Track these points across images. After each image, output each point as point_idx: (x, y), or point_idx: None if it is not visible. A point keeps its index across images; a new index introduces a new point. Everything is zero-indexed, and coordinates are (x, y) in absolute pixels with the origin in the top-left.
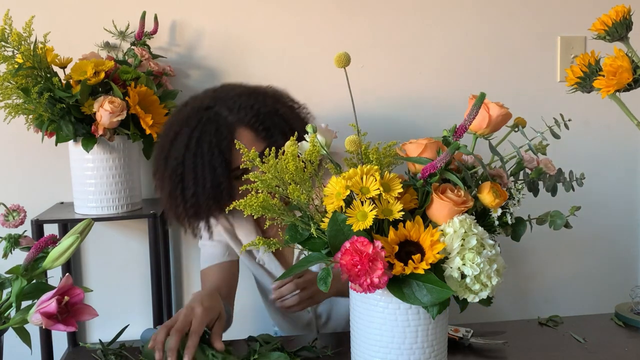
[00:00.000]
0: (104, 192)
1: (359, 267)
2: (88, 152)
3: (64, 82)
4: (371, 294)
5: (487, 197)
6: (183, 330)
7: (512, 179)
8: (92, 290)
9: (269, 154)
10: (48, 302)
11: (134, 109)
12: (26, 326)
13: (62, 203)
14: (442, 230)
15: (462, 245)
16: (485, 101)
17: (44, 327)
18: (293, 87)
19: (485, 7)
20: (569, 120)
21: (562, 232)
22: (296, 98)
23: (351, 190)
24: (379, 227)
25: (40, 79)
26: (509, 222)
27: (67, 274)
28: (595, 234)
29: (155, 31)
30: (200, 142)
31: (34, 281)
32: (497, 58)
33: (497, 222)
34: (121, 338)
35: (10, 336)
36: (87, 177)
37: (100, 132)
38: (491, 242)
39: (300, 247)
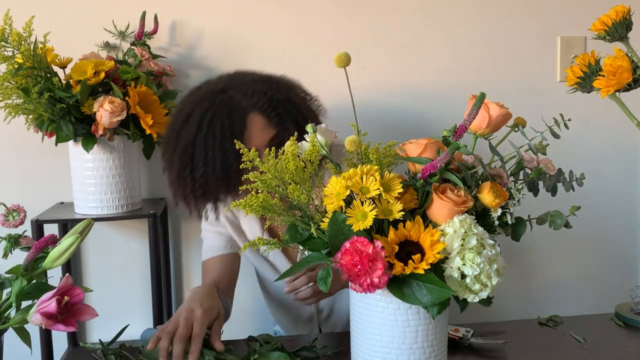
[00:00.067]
0: (104, 192)
1: (359, 267)
2: (88, 152)
3: (64, 82)
4: (371, 294)
5: (487, 197)
6: (186, 337)
7: (512, 179)
8: (92, 290)
9: (269, 154)
10: (48, 302)
11: (134, 109)
12: (26, 326)
13: (62, 203)
14: (442, 230)
15: (462, 245)
16: (485, 101)
17: (44, 327)
18: None
19: (485, 7)
20: (569, 120)
21: (562, 232)
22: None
23: (351, 190)
24: (379, 227)
25: (40, 79)
26: (509, 222)
27: (67, 274)
28: (595, 234)
29: (155, 31)
30: (212, 124)
31: (34, 281)
32: (497, 58)
33: (497, 222)
34: (121, 338)
35: (10, 336)
36: (87, 177)
37: (100, 132)
38: (491, 242)
39: (300, 246)
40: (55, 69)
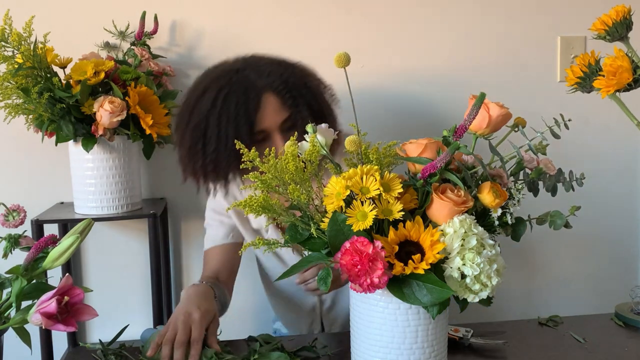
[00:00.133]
0: (104, 192)
1: (359, 267)
2: (88, 152)
3: (64, 82)
4: (371, 294)
5: (487, 197)
6: (186, 342)
7: (512, 179)
8: (92, 290)
9: (269, 154)
10: (48, 302)
11: (134, 109)
12: (26, 326)
13: (62, 203)
14: (442, 230)
15: (462, 245)
16: (485, 101)
17: (44, 327)
18: None
19: (486, 7)
20: (569, 120)
21: (562, 232)
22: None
23: (351, 190)
24: (379, 227)
25: (40, 79)
26: (509, 222)
27: (67, 274)
28: (595, 234)
29: (155, 31)
30: (227, 100)
31: (34, 281)
32: (497, 58)
33: (497, 222)
34: (121, 338)
35: (10, 336)
36: (87, 177)
37: (100, 132)
38: (491, 242)
39: (300, 246)
40: (55, 69)
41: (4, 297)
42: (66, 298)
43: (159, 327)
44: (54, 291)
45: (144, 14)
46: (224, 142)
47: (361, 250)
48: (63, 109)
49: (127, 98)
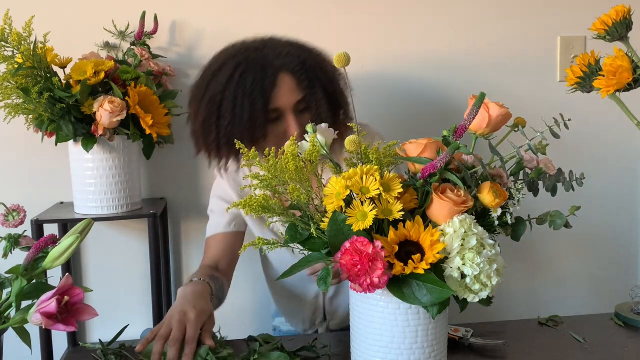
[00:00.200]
0: (104, 192)
1: (359, 267)
2: (88, 152)
3: (64, 82)
4: (371, 294)
5: (487, 197)
6: (180, 340)
7: (512, 179)
8: (92, 290)
9: (269, 154)
10: (48, 302)
11: (134, 109)
12: (26, 326)
13: (62, 203)
14: (442, 230)
15: (462, 245)
16: (485, 101)
17: (44, 327)
18: None
19: (485, 7)
20: (569, 120)
21: (562, 232)
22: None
23: (351, 190)
24: (379, 227)
25: (40, 79)
26: (509, 222)
27: (67, 274)
28: (595, 234)
29: (155, 31)
30: (244, 76)
31: (34, 281)
32: (497, 58)
33: (497, 222)
34: (121, 338)
35: (10, 336)
36: (87, 177)
37: (100, 132)
38: (491, 242)
39: (300, 246)
40: (55, 69)
41: (4, 297)
42: (66, 298)
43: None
44: (54, 291)
45: (144, 14)
46: (239, 117)
47: (361, 250)
48: (63, 109)
49: (127, 98)
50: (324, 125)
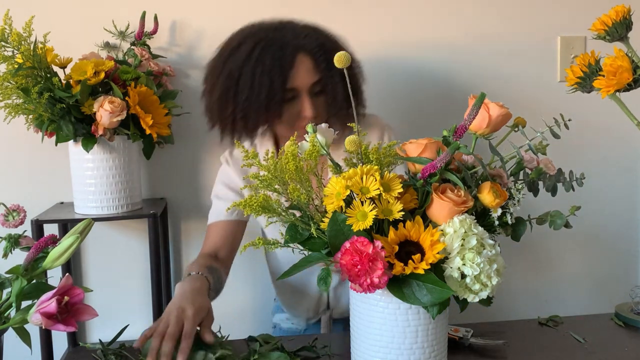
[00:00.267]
0: (104, 192)
1: (359, 267)
2: (88, 152)
3: (64, 82)
4: (371, 294)
5: (487, 197)
6: (177, 335)
7: (512, 179)
8: (92, 290)
9: (269, 155)
10: (48, 302)
11: (134, 109)
12: (26, 326)
13: (62, 203)
14: (442, 230)
15: (462, 245)
16: (485, 101)
17: (44, 327)
18: None
19: (485, 7)
20: (569, 120)
21: (562, 232)
22: None
23: (351, 190)
24: (379, 227)
25: (40, 79)
26: (509, 222)
27: (67, 274)
28: (595, 234)
29: (155, 31)
30: (263, 53)
31: (34, 281)
32: (497, 58)
33: (497, 222)
34: (121, 338)
35: (10, 336)
36: (87, 177)
37: (100, 132)
38: (491, 242)
39: (300, 246)
40: (55, 69)
41: (4, 297)
42: (66, 298)
43: None
44: (54, 291)
45: (144, 14)
46: (257, 93)
47: (361, 250)
48: (63, 109)
49: (127, 98)
50: (324, 125)
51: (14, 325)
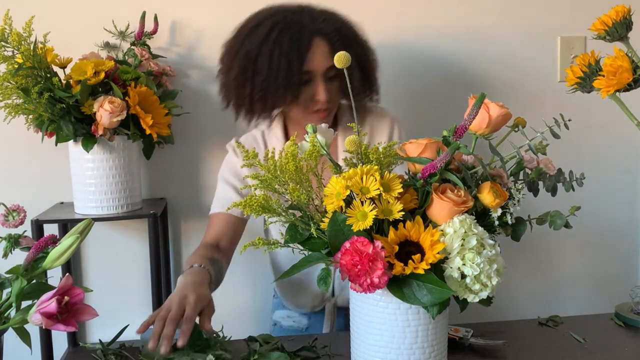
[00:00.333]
0: (104, 192)
1: (359, 267)
2: (88, 152)
3: (64, 82)
4: (371, 294)
5: (487, 197)
6: (178, 319)
7: (512, 179)
8: (92, 290)
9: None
10: (48, 302)
11: (134, 109)
12: (26, 326)
13: (62, 203)
14: (442, 230)
15: (462, 245)
16: (485, 101)
17: (44, 327)
18: None
19: (485, 7)
20: (569, 120)
21: (562, 232)
22: None
23: (351, 190)
24: (379, 227)
25: (40, 79)
26: (509, 222)
27: (67, 274)
28: (595, 234)
29: (155, 31)
30: (281, 35)
31: (34, 281)
32: (497, 58)
33: (497, 222)
34: (121, 338)
35: (10, 336)
36: (87, 177)
37: (100, 132)
38: (491, 242)
39: (300, 246)
40: (55, 69)
41: (4, 297)
42: (66, 298)
43: None
44: (54, 291)
45: (144, 14)
46: (275, 75)
47: (361, 250)
48: (63, 109)
49: (127, 98)
50: (324, 125)
51: (14, 325)
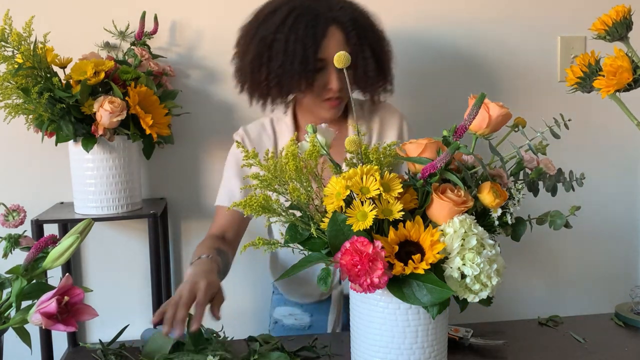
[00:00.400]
0: (104, 192)
1: (359, 267)
2: (88, 152)
3: (64, 82)
4: (371, 294)
5: (487, 197)
6: (190, 304)
7: (512, 179)
8: (92, 290)
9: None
10: (48, 302)
11: (134, 109)
12: (26, 326)
13: (62, 203)
14: (442, 230)
15: (462, 245)
16: (485, 101)
17: (44, 327)
18: None
19: (486, 7)
20: (569, 120)
21: (562, 232)
22: None
23: (351, 190)
24: (379, 227)
25: (40, 79)
26: (509, 222)
27: (67, 274)
28: (595, 234)
29: (155, 31)
30: (297, 21)
31: (34, 281)
32: (497, 58)
33: (497, 222)
34: (121, 338)
35: (10, 336)
36: (87, 177)
37: (100, 132)
38: (491, 242)
39: (300, 246)
40: (55, 69)
41: (4, 297)
42: (66, 298)
43: (159, 327)
44: (54, 291)
45: (144, 14)
46: (290, 61)
47: (361, 250)
48: (63, 109)
49: (127, 98)
50: (324, 125)
51: (14, 325)
